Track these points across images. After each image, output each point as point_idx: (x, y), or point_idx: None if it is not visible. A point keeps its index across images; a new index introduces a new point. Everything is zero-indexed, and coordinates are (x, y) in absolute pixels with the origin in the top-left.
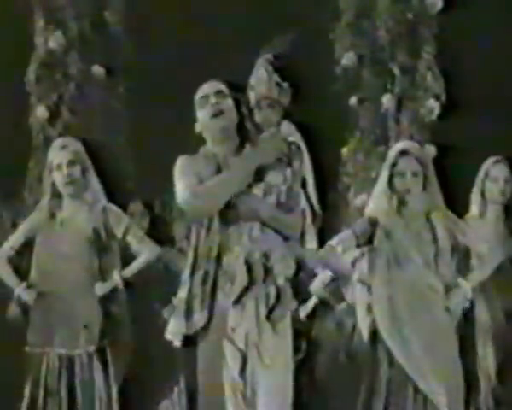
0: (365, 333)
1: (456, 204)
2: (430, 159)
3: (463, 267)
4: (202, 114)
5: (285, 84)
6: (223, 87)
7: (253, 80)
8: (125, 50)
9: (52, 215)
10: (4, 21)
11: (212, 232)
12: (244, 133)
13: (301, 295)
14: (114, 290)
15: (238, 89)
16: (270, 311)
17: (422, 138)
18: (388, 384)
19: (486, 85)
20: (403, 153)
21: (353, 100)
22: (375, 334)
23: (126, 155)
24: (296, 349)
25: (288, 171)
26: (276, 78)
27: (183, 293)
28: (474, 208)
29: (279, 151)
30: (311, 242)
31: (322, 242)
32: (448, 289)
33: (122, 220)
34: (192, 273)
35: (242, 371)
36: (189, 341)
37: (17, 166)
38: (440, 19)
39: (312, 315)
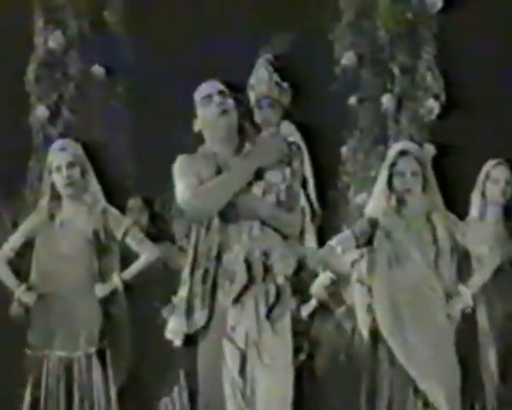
0: (365, 334)
1: (456, 204)
2: (429, 160)
3: (463, 268)
4: (206, 113)
5: (285, 84)
6: (223, 87)
7: (253, 80)
8: (125, 50)
9: (52, 216)
10: (4, 21)
11: (211, 231)
12: (243, 133)
13: (302, 294)
14: (114, 292)
15: (237, 89)
16: (270, 310)
17: (422, 138)
18: (390, 385)
19: (486, 85)
20: (402, 153)
21: (353, 100)
22: (375, 334)
23: (126, 154)
24: (298, 350)
25: (288, 170)
26: (276, 77)
27: (183, 292)
28: (474, 210)
29: (280, 152)
30: (311, 240)
31: (321, 240)
32: (448, 295)
33: (122, 222)
34: (192, 272)
35: (242, 370)
36: (190, 340)
37: (17, 166)
38: (440, 19)
39: (313, 315)
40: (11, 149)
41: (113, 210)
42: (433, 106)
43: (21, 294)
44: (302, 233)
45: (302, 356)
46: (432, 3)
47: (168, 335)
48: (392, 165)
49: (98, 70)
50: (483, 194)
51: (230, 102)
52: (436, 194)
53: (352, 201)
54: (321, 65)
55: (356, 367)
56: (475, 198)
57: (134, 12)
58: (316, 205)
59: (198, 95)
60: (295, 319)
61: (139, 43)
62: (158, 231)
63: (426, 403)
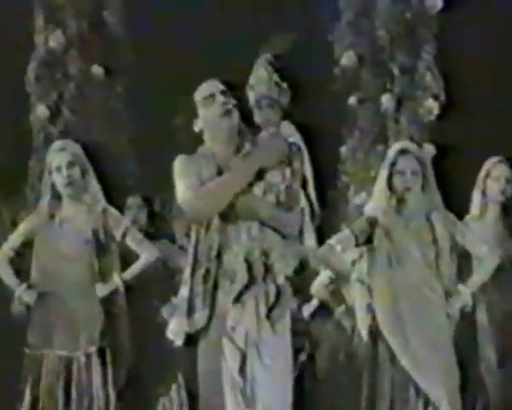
0: (365, 333)
1: (455, 204)
2: (429, 159)
3: (463, 268)
4: (209, 113)
5: (284, 84)
6: (223, 87)
7: (252, 80)
8: (124, 50)
9: (52, 216)
10: (4, 20)
11: (211, 231)
12: (243, 133)
13: (304, 294)
14: (114, 292)
15: (236, 89)
16: (270, 310)
17: (421, 138)
18: (391, 384)
19: (486, 85)
20: (402, 152)
21: (353, 100)
22: (375, 334)
23: (126, 154)
24: (299, 350)
25: (288, 170)
26: (275, 78)
27: (184, 292)
28: (475, 207)
29: (281, 153)
30: (310, 240)
31: (321, 240)
32: (448, 294)
33: (121, 223)
34: (193, 272)
35: (242, 369)
36: (191, 340)
37: (18, 165)
38: (440, 19)
39: (313, 315)
40: (11, 148)
41: (113, 210)
42: (432, 106)
43: (22, 293)
44: (301, 233)
45: (303, 356)
46: (431, 4)
47: (169, 335)
48: (393, 164)
49: (97, 70)
50: (483, 192)
51: (233, 101)
52: (436, 193)
53: (352, 200)
54: (321, 65)
55: (356, 367)
56: (476, 196)
57: (134, 12)
58: (316, 205)
59: (199, 95)
60: (296, 319)
61: (139, 43)
62: (157, 230)
63: (427, 402)
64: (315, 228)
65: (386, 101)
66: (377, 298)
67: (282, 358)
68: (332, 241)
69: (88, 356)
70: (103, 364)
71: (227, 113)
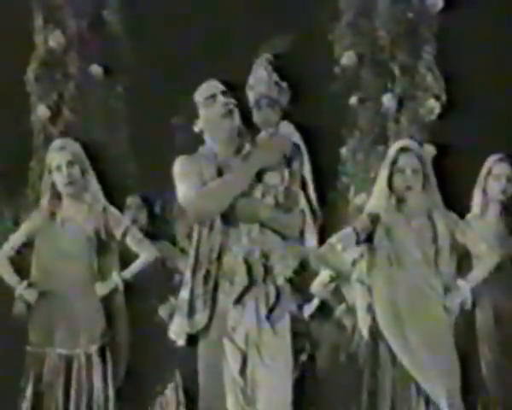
0: (365, 333)
1: (456, 204)
2: (429, 158)
3: (463, 267)
4: (210, 114)
5: (284, 84)
6: (223, 87)
7: (252, 80)
8: (124, 50)
9: (52, 215)
10: (4, 21)
11: (213, 233)
12: (243, 134)
13: (304, 294)
14: (114, 290)
15: (236, 89)
16: (270, 311)
17: (422, 138)
18: (392, 384)
19: (486, 85)
20: (403, 150)
21: (353, 100)
22: (375, 333)
23: (126, 153)
24: (300, 350)
25: (287, 171)
26: (275, 77)
27: (185, 293)
28: (476, 206)
29: (283, 153)
30: (311, 241)
31: (322, 241)
32: (447, 289)
33: (121, 222)
34: (194, 273)
35: (242, 370)
36: (192, 340)
37: (18, 166)
38: (440, 19)
39: (313, 316)
40: (12, 148)
41: (113, 209)
42: (433, 106)
43: (22, 291)
44: (302, 234)
45: (303, 357)
46: (432, 3)
47: (171, 335)
48: (393, 162)
49: (96, 69)
50: (484, 191)
51: (234, 102)
52: (436, 192)
53: (352, 201)
54: (321, 65)
55: (357, 367)
56: (476, 195)
57: (133, 12)
58: (316, 206)
59: (200, 95)
60: (297, 320)
61: (138, 43)
62: (157, 230)
63: (428, 402)
64: (317, 229)
65: (387, 101)
66: (377, 297)
67: (282, 358)
68: (333, 240)
69: (88, 355)
70: (103, 362)
71: (228, 113)
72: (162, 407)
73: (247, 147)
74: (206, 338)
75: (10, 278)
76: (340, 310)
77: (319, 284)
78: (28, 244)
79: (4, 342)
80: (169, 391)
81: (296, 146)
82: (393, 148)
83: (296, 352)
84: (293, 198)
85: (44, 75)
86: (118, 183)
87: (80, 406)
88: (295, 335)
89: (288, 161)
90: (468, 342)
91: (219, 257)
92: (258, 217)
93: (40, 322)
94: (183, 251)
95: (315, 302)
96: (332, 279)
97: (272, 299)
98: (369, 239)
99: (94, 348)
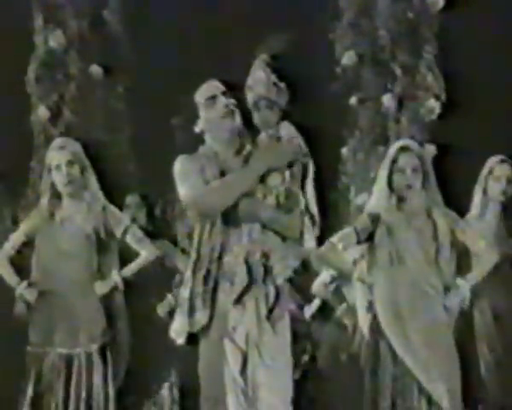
0: (366, 332)
1: (456, 203)
2: (430, 157)
3: (463, 265)
4: (211, 115)
5: (282, 85)
6: (224, 88)
7: (250, 81)
8: (124, 50)
9: (52, 215)
10: (4, 21)
11: (214, 233)
12: (243, 134)
13: (305, 294)
14: (113, 289)
15: (236, 89)
16: (270, 311)
17: (422, 138)
18: (393, 383)
19: (486, 85)
20: (403, 149)
21: (353, 100)
22: (376, 332)
23: (126, 153)
24: (302, 351)
25: (287, 173)
26: (273, 78)
27: (185, 292)
28: (475, 206)
29: (291, 157)
30: (310, 241)
31: (322, 241)
32: (447, 288)
33: (121, 221)
34: (194, 273)
35: (243, 370)
36: (192, 339)
37: (19, 166)
38: (441, 18)
39: (314, 316)
40: (12, 149)
41: (113, 208)
42: (433, 106)
43: (22, 291)
44: (302, 234)
45: (305, 357)
46: (433, 3)
47: (172, 334)
48: (393, 162)
49: (96, 69)
50: (484, 191)
51: (234, 102)
52: (436, 191)
53: (353, 201)
54: (321, 65)
55: (358, 366)
56: (477, 194)
57: (133, 12)
58: (315, 209)
59: (201, 96)
60: (297, 320)
61: (139, 43)
62: (156, 230)
63: (430, 401)
64: (317, 230)
65: (387, 101)
66: (378, 296)
67: (282, 358)
68: (334, 239)
69: (89, 354)
70: (104, 361)
71: (229, 114)
72: (157, 406)
73: (248, 147)
74: (206, 338)
75: (10, 278)
76: (340, 310)
77: (320, 284)
78: (28, 244)
79: (5, 343)
80: (164, 390)
81: (307, 155)
82: (393, 147)
83: (297, 352)
84: (294, 199)
85: (45, 75)
86: (118, 183)
87: (80, 405)
88: (297, 335)
89: (289, 163)
90: (467, 343)
91: (220, 257)
92: (259, 217)
93: (40, 322)
94: (184, 251)
95: (316, 303)
96: (333, 279)
97: (272, 299)
98: (370, 238)
99: (94, 348)
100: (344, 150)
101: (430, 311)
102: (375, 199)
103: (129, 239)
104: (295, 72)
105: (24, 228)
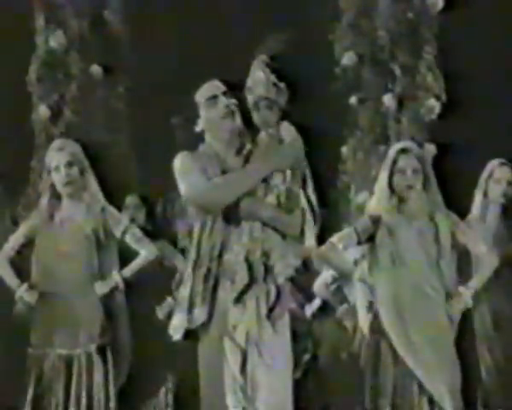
0: (366, 332)
1: (456, 204)
2: (430, 158)
3: (463, 267)
4: (212, 115)
5: (282, 85)
6: (225, 87)
7: (249, 82)
8: (125, 50)
9: (51, 216)
10: (5, 21)
11: (215, 231)
12: (243, 134)
13: (306, 293)
14: (113, 289)
15: (236, 89)
16: (271, 310)
17: (422, 138)
18: (394, 383)
19: (486, 85)
20: (403, 151)
21: (353, 99)
22: (377, 332)
23: (126, 153)
24: (303, 350)
25: (288, 172)
26: (273, 78)
27: (185, 289)
28: (476, 208)
29: (298, 157)
30: (311, 240)
31: (322, 240)
32: (449, 295)
33: (121, 221)
34: (194, 271)
35: (243, 368)
36: (189, 335)
37: (19, 166)
38: (441, 19)
39: (315, 315)
40: (13, 148)
41: (112, 209)
42: (433, 106)
43: (23, 293)
44: (303, 233)
45: (306, 356)
46: (433, 3)
47: (170, 331)
48: (393, 163)
49: (96, 69)
50: (485, 193)
51: (235, 102)
52: (436, 192)
53: (353, 200)
54: (321, 65)
55: (359, 366)
56: (477, 197)
57: (134, 12)
58: (316, 207)
59: (202, 96)
60: (298, 320)
61: (139, 43)
62: (155, 230)
63: (431, 401)
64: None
65: (388, 101)
66: (379, 296)
67: (282, 357)
68: (334, 239)
69: (88, 354)
70: (104, 362)
71: (229, 114)
72: (154, 408)
73: (248, 147)
74: (206, 337)
75: (11, 279)
76: (341, 310)
77: (321, 283)
78: (28, 244)
79: (5, 344)
80: (161, 396)
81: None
82: (393, 149)
83: (298, 352)
84: (294, 198)
85: (45, 75)
86: (118, 183)
87: (81, 406)
88: (298, 335)
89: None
90: (467, 345)
91: (220, 255)
92: (260, 216)
93: (41, 323)
94: (184, 251)
95: (317, 302)
96: (334, 280)
97: (273, 298)
98: (371, 239)
99: (93, 348)
100: (344, 149)
101: (431, 312)
102: (376, 200)
103: (128, 239)
104: (295, 72)
105: (23, 229)
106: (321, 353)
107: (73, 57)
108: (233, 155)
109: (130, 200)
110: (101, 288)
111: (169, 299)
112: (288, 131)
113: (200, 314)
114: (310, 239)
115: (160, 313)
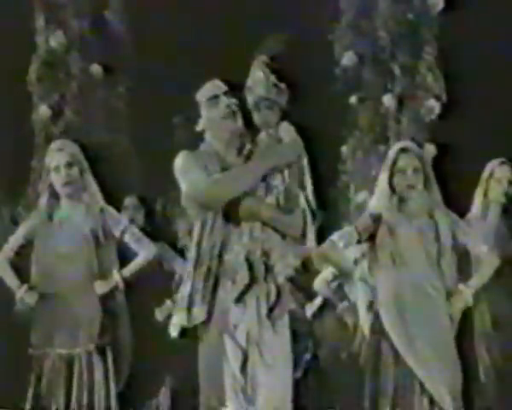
0: (367, 331)
1: (456, 204)
2: (429, 158)
3: (463, 266)
4: (213, 115)
5: (282, 85)
6: (226, 87)
7: (250, 82)
8: (125, 50)
9: (50, 216)
10: (5, 21)
11: (215, 230)
12: (243, 134)
13: (307, 293)
14: (113, 289)
15: (236, 89)
16: (271, 309)
17: (422, 138)
18: (395, 384)
19: (486, 85)
20: (403, 150)
21: (353, 99)
22: (378, 332)
23: (126, 153)
24: (303, 350)
25: (286, 172)
26: (273, 79)
27: (185, 288)
28: (476, 207)
29: (298, 156)
30: (311, 240)
31: (322, 240)
32: (449, 294)
33: (120, 221)
34: (195, 269)
35: (243, 368)
36: (188, 334)
37: (20, 166)
38: (441, 19)
39: (316, 315)
40: (13, 148)
41: (111, 209)
42: (433, 106)
43: (23, 294)
44: (304, 234)
45: (307, 356)
46: (433, 4)
47: (170, 328)
48: (394, 163)
49: (97, 69)
50: (485, 192)
51: (236, 102)
52: (437, 192)
53: (352, 200)
54: (321, 65)
55: (359, 366)
56: (478, 196)
57: (134, 12)
58: (315, 207)
59: (203, 95)
60: (299, 319)
61: (140, 43)
62: (155, 230)
63: (431, 401)
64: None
65: (387, 101)
66: (380, 296)
67: (282, 357)
68: (334, 237)
69: (89, 354)
70: (104, 362)
71: (230, 114)
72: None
73: (248, 147)
74: (206, 336)
75: (11, 280)
76: (341, 307)
77: (322, 280)
78: (28, 245)
79: (5, 344)
80: (161, 393)
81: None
82: (393, 149)
83: (299, 351)
84: (294, 198)
85: (46, 75)
86: (118, 183)
87: (82, 406)
88: (298, 335)
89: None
90: (466, 344)
91: (220, 255)
92: (260, 216)
93: (41, 323)
94: (183, 252)
95: (317, 302)
96: (335, 277)
97: (273, 298)
98: (371, 238)
99: (92, 347)
100: (344, 149)
101: (432, 311)
102: (377, 200)
103: (127, 239)
104: (295, 72)
105: (23, 230)
106: (321, 353)
107: (74, 57)
108: (233, 156)
109: (130, 200)
110: (100, 288)
111: (168, 302)
112: (286, 131)
113: (199, 313)
114: (310, 240)
115: (160, 315)
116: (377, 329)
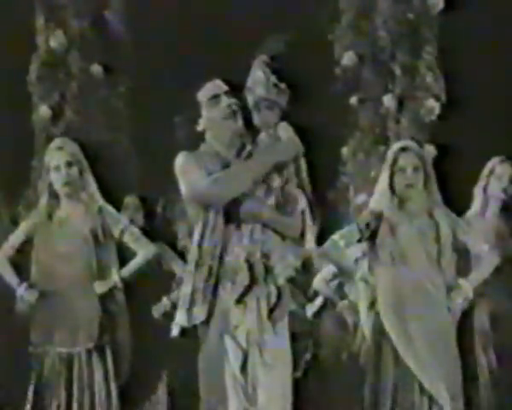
0: (368, 332)
1: (456, 204)
2: (430, 157)
3: (463, 265)
4: (213, 115)
5: (283, 85)
6: (227, 87)
7: (250, 82)
8: (125, 50)
9: (50, 216)
10: (6, 21)
11: (216, 230)
12: (243, 134)
13: (307, 293)
14: (112, 289)
15: (236, 89)
16: (271, 310)
17: (422, 138)
18: (395, 384)
19: (486, 85)
20: (403, 149)
21: (353, 100)
22: (378, 331)
23: (126, 153)
24: (303, 350)
25: (285, 173)
26: (273, 79)
27: (187, 287)
28: (476, 204)
29: (296, 155)
30: (311, 242)
31: (322, 241)
32: (449, 288)
33: (119, 221)
34: (196, 268)
35: (244, 368)
36: (187, 333)
37: (20, 166)
38: (441, 19)
39: (316, 315)
40: (13, 148)
41: (110, 208)
42: (433, 106)
43: (23, 292)
44: (303, 235)
45: (307, 356)
46: (433, 4)
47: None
48: (394, 162)
49: (97, 69)
50: (485, 189)
51: (237, 103)
52: (436, 191)
53: (352, 201)
54: (321, 65)
55: (359, 366)
56: (477, 193)
57: (134, 12)
58: (314, 208)
59: (204, 95)
60: (299, 319)
61: (140, 43)
62: (154, 230)
63: (431, 401)
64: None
65: (387, 101)
66: (380, 296)
67: (282, 358)
68: (335, 236)
69: (89, 353)
70: (104, 361)
71: (231, 114)
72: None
73: (248, 147)
74: (206, 336)
75: (11, 278)
76: (341, 305)
77: (321, 279)
78: (28, 243)
79: (5, 343)
80: (161, 392)
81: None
82: (393, 148)
83: (299, 351)
84: (293, 200)
85: (46, 75)
86: (118, 182)
87: (83, 404)
88: (299, 334)
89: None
90: (465, 343)
91: (221, 256)
92: (260, 217)
93: (41, 322)
94: (183, 252)
95: (317, 302)
96: (334, 276)
97: (273, 299)
98: (372, 237)
99: (91, 346)
100: (344, 150)
101: (432, 310)
102: (377, 199)
103: (127, 238)
104: (295, 72)
105: (23, 228)
106: (321, 353)
107: (74, 57)
108: (233, 156)
109: (129, 200)
110: (100, 287)
111: (164, 299)
112: (284, 130)
113: (199, 313)
114: (310, 241)
115: (156, 312)
116: (378, 329)
